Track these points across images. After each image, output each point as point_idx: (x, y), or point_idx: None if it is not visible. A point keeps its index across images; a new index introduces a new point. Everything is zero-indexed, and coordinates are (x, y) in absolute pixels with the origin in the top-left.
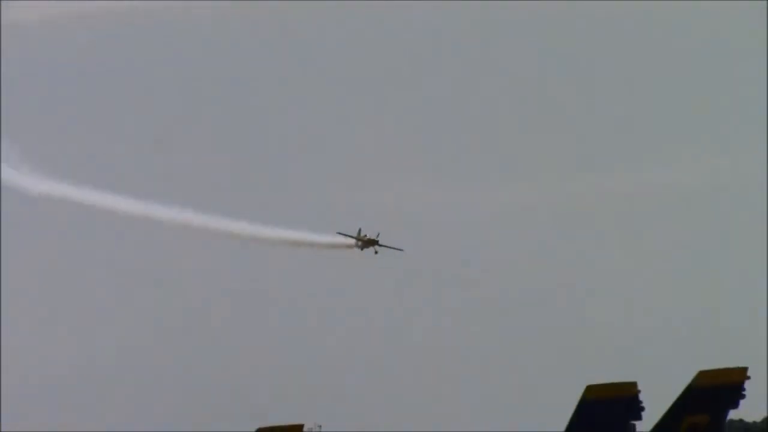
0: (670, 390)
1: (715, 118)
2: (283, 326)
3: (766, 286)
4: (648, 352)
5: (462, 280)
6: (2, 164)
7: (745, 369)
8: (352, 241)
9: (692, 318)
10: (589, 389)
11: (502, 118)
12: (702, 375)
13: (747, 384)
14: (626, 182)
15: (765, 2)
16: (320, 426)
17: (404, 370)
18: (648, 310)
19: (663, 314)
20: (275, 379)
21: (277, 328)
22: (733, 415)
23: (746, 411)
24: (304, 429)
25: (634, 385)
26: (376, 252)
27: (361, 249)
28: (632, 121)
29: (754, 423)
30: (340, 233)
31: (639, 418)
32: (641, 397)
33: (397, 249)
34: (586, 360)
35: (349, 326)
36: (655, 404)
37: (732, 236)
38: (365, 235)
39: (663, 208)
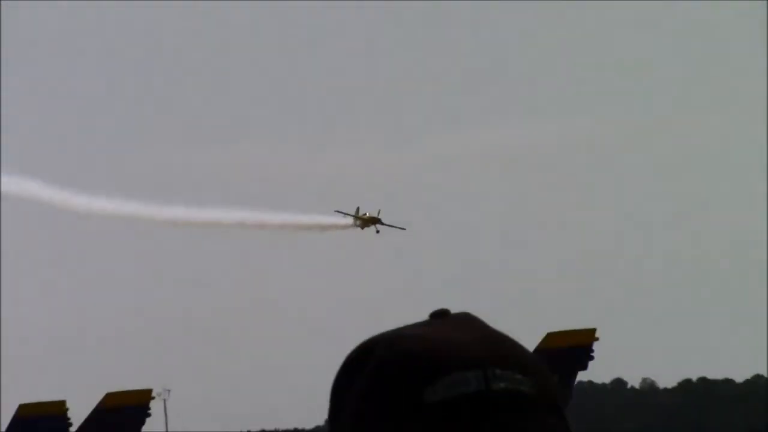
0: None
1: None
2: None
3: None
4: (497, 314)
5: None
6: None
7: (593, 330)
8: (350, 220)
9: (540, 280)
10: None
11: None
12: (550, 337)
13: (596, 345)
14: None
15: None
16: (169, 390)
17: None
18: (497, 272)
19: (511, 276)
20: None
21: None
22: (582, 377)
23: (596, 373)
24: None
25: None
26: (377, 231)
27: (362, 228)
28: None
29: (604, 385)
30: (338, 211)
31: None
32: None
33: (399, 228)
34: None
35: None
36: None
37: (573, 196)
38: (365, 213)
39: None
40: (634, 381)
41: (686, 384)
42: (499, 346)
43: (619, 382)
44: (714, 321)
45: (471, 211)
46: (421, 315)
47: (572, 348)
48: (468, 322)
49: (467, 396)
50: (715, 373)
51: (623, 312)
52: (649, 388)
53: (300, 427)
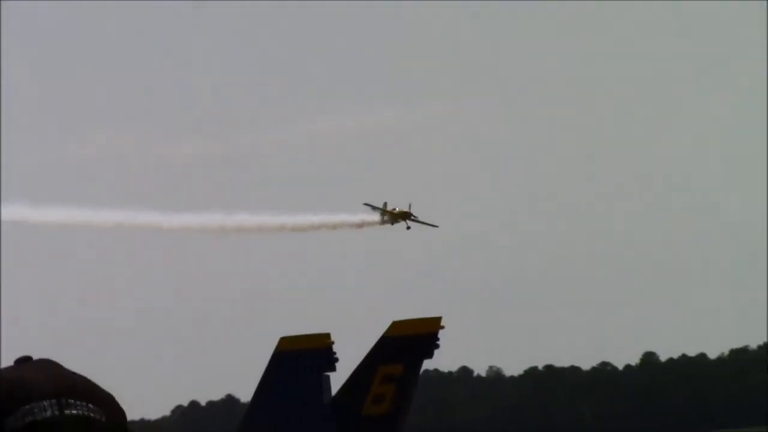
0: (368, 341)
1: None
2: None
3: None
4: (343, 303)
5: None
6: None
7: (438, 318)
8: (377, 217)
9: (386, 269)
10: (283, 341)
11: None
12: (396, 325)
13: (441, 333)
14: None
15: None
16: None
17: None
18: (343, 263)
19: (357, 267)
20: None
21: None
22: (428, 365)
23: (441, 361)
24: None
25: (327, 336)
26: (408, 227)
27: (392, 224)
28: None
29: (450, 373)
30: (367, 204)
31: (333, 369)
32: (335, 348)
33: (431, 225)
34: (278, 313)
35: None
36: (352, 355)
37: (428, 183)
38: (394, 208)
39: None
40: (480, 369)
41: (532, 372)
42: (73, 383)
43: (465, 371)
44: (558, 308)
45: (318, 196)
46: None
47: (418, 336)
48: (47, 365)
49: (44, 421)
50: (561, 361)
51: (469, 300)
52: (495, 376)
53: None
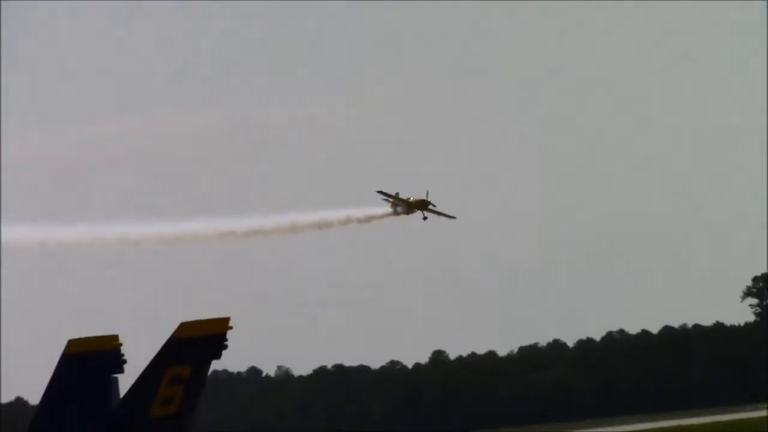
0: (158, 342)
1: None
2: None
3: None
4: (133, 305)
5: None
6: None
7: (227, 319)
8: (389, 207)
9: (176, 268)
10: (71, 343)
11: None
12: (184, 326)
13: (230, 334)
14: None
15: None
16: None
17: None
18: (133, 265)
19: (140, 268)
20: None
21: None
22: (216, 365)
23: (230, 361)
24: None
25: (115, 338)
26: (425, 218)
27: (407, 213)
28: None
29: (239, 373)
30: (380, 192)
31: (121, 371)
32: (124, 350)
33: (449, 216)
34: (66, 315)
35: None
36: (142, 357)
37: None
38: (409, 197)
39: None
40: (269, 369)
41: (321, 371)
42: None
43: (254, 371)
44: (346, 308)
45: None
46: None
47: (206, 337)
48: None
49: None
50: (350, 360)
51: (259, 300)
52: (284, 375)
53: None
